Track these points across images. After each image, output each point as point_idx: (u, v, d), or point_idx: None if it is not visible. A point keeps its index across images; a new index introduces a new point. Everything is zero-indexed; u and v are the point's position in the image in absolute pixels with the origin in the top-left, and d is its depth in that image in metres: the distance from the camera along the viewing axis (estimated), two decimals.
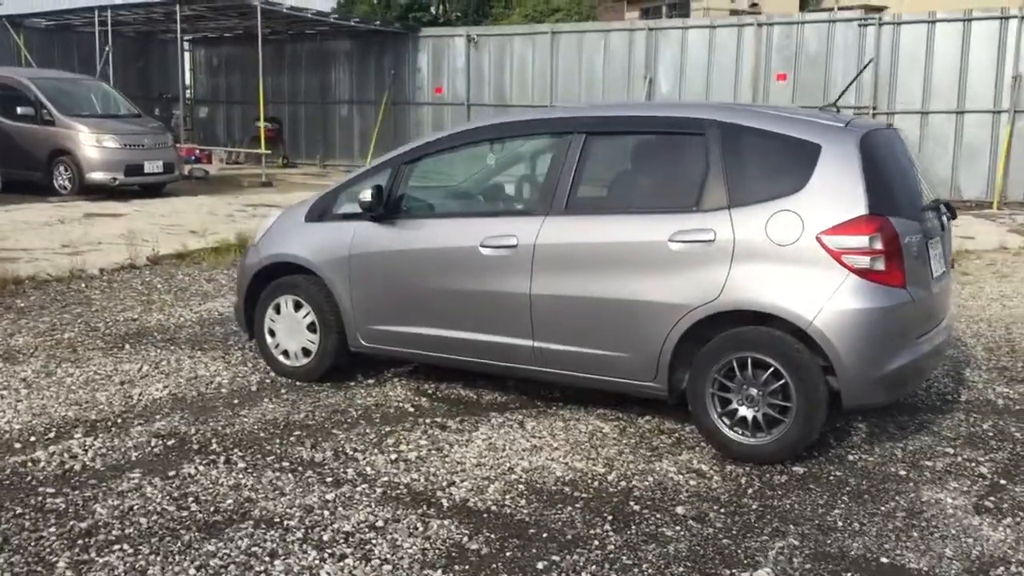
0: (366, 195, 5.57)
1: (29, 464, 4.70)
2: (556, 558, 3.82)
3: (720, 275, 4.76)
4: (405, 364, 6.40)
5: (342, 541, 3.93)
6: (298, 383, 6.05)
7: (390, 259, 5.68)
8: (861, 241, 4.56)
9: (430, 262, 5.57)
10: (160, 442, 5.02)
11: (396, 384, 6.06)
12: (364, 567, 3.72)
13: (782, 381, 4.68)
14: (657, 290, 4.90)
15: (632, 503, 4.35)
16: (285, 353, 6.12)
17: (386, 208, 5.66)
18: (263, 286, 6.20)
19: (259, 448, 4.95)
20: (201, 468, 4.67)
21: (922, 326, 4.96)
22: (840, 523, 4.16)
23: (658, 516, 4.21)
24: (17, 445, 4.95)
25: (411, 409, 5.62)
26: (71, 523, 4.05)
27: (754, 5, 43.16)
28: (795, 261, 4.64)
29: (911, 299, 4.72)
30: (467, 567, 3.75)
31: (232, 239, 11.42)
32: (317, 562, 3.75)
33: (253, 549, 3.85)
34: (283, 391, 5.91)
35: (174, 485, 4.46)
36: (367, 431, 5.23)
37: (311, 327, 5.99)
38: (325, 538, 3.96)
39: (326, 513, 4.19)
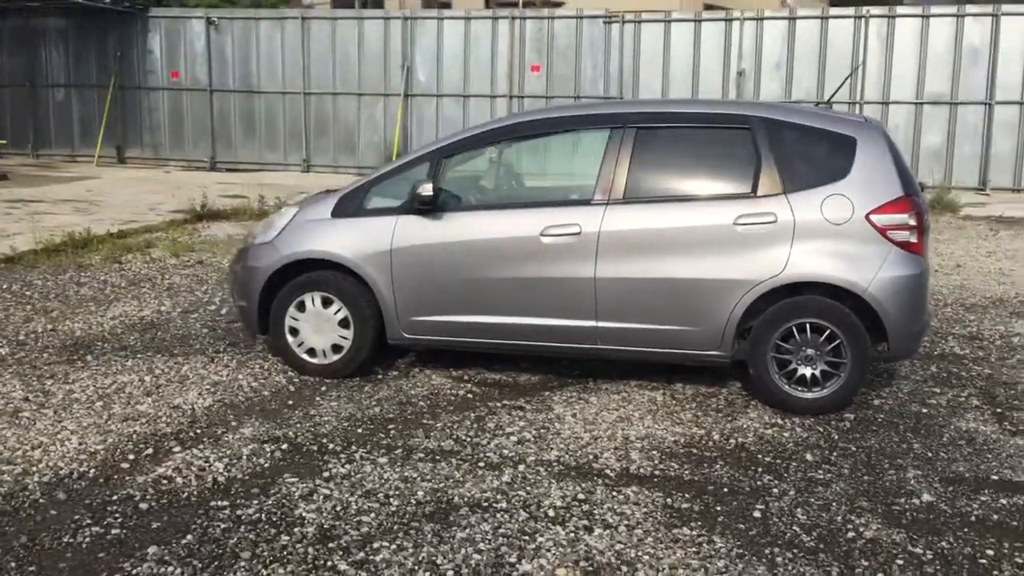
0: (427, 189, 5.65)
1: (165, 481, 4.43)
2: (761, 507, 4.32)
3: (783, 252, 5.44)
4: (412, 353, 6.51)
5: (568, 516, 4.18)
6: (329, 380, 5.98)
7: (440, 251, 5.80)
8: (902, 218, 5.43)
9: (486, 252, 5.76)
10: (272, 447, 4.88)
11: (428, 374, 6.18)
12: (617, 533, 4.02)
13: (836, 342, 5.46)
14: (725, 268, 5.50)
15: (762, 456, 4.93)
16: (311, 351, 6.03)
17: (432, 202, 5.77)
18: (278, 285, 6.05)
19: (376, 443, 4.97)
20: (348, 467, 4.65)
21: None
22: (930, 454, 5.01)
23: (795, 464, 4.83)
24: (124, 465, 4.62)
25: (469, 396, 5.80)
26: (296, 529, 3.96)
27: None
28: (848, 237, 5.43)
29: (928, 266, 5.68)
30: (699, 522, 4.15)
31: (56, 239, 10.49)
32: (572, 534, 3.99)
33: (501, 531, 4.01)
34: (326, 390, 5.84)
35: (346, 485, 4.43)
36: (457, 418, 5.37)
37: (343, 323, 5.95)
38: (551, 514, 4.18)
39: (522, 493, 4.39)
